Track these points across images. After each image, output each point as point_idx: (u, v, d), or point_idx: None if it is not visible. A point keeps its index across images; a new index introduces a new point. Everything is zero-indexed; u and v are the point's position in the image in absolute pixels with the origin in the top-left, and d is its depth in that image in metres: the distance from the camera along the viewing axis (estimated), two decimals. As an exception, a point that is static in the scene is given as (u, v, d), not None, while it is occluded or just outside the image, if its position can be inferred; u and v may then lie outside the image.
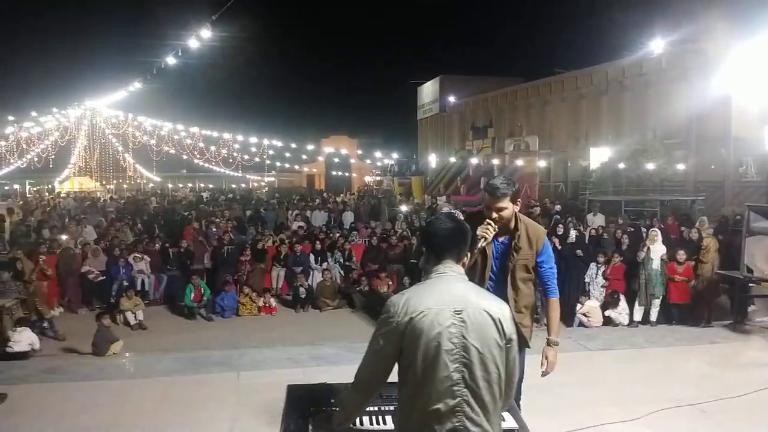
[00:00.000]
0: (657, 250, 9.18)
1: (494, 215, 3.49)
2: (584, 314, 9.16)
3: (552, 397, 5.17)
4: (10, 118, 36.76)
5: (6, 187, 39.55)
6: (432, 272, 2.27)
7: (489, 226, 3.43)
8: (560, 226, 10.81)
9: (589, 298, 9.30)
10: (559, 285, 10.07)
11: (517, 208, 3.62)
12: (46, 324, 9.42)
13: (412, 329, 2.10)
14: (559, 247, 9.92)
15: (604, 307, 9.26)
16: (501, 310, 2.20)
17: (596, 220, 14.60)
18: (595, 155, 23.38)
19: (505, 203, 3.52)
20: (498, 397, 2.17)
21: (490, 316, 2.15)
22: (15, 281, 9.77)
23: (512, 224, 3.61)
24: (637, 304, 9.13)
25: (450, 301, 2.14)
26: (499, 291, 3.53)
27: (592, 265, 9.56)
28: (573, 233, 10.92)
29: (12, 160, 39.49)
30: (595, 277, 9.50)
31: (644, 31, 21.49)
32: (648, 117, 23.39)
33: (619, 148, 21.77)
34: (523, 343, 3.64)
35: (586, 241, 11.30)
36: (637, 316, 9.10)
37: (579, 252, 9.83)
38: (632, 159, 20.11)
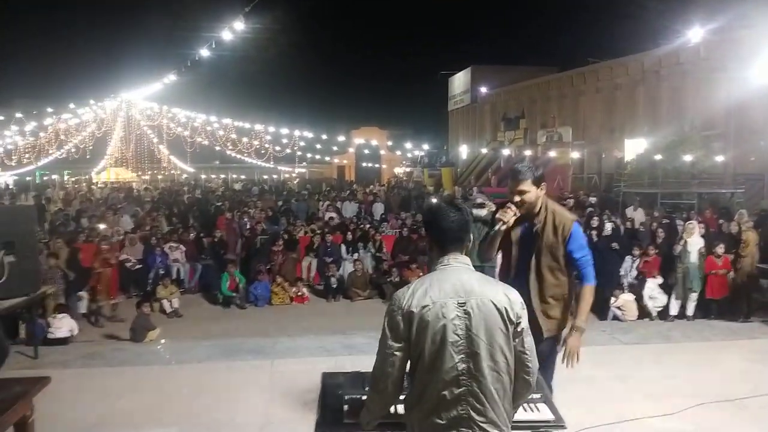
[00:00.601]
0: (694, 243, 8.99)
1: (516, 198, 3.48)
2: (619, 308, 9.04)
3: (587, 390, 5.14)
4: (49, 109, 37.66)
5: (45, 178, 40.64)
6: (437, 264, 2.30)
7: (508, 209, 3.43)
8: (595, 218, 10.65)
9: (623, 292, 9.17)
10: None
11: (541, 193, 3.56)
12: (103, 311, 9.82)
13: (419, 322, 2.15)
14: (594, 240, 9.81)
15: (636, 291, 9.10)
16: (507, 297, 2.21)
17: (636, 215, 13.94)
18: (631, 147, 22.92)
19: (527, 186, 3.49)
20: (508, 386, 2.21)
21: (494, 305, 2.17)
22: (56, 269, 10.10)
23: (537, 209, 3.57)
24: (673, 298, 8.97)
25: (453, 293, 2.17)
26: (522, 277, 3.50)
27: (627, 258, 9.43)
28: (608, 226, 10.77)
29: (51, 151, 40.49)
30: (629, 270, 9.36)
31: (682, 19, 20.92)
32: (685, 107, 22.81)
33: (655, 140, 21.29)
34: (549, 333, 3.59)
35: (622, 234, 11.15)
36: (674, 310, 8.94)
37: (614, 245, 9.70)
38: (669, 151, 19.66)
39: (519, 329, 2.21)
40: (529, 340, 2.24)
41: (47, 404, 4.44)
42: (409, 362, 2.23)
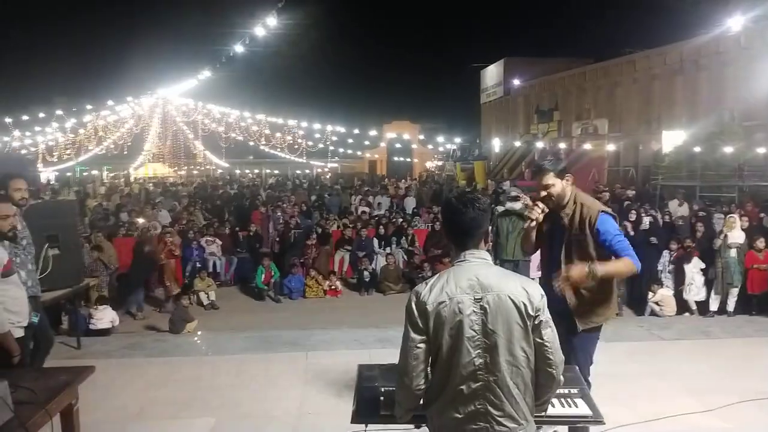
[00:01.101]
0: (735, 237, 8.77)
1: (543, 193, 3.53)
2: (656, 303, 8.88)
3: (626, 386, 5.08)
4: (88, 107, 38.58)
5: (85, 173, 41.69)
6: (455, 259, 2.31)
7: (536, 207, 3.48)
8: (633, 212, 10.45)
9: (661, 286, 9.00)
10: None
11: (567, 185, 3.57)
12: (170, 303, 10.12)
13: (435, 318, 2.17)
14: (632, 233, 9.64)
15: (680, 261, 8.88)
16: (525, 291, 2.20)
17: (680, 210, 13.20)
18: (668, 138, 22.41)
19: (551, 180, 3.52)
20: (529, 380, 2.21)
21: (512, 299, 2.17)
22: (98, 261, 10.41)
23: (565, 202, 3.56)
24: (713, 293, 8.77)
25: (470, 289, 2.18)
26: (552, 270, 3.49)
27: (665, 252, 9.24)
28: (646, 220, 10.56)
29: (90, 147, 41.49)
30: (667, 265, 9.18)
31: (722, 7, 20.32)
32: (725, 98, 22.20)
33: (694, 131, 20.79)
34: (584, 326, 3.59)
35: (660, 228, 10.93)
36: (714, 305, 8.74)
37: (652, 239, 9.51)
38: (708, 142, 19.18)
39: (538, 322, 2.20)
40: (550, 333, 2.23)
41: (90, 393, 4.58)
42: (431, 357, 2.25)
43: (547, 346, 2.22)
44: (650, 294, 8.91)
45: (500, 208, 8.15)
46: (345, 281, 12.08)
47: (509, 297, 2.17)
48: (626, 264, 3.38)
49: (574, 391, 2.75)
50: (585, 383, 2.83)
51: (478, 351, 2.16)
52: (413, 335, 2.21)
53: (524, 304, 2.17)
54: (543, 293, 2.25)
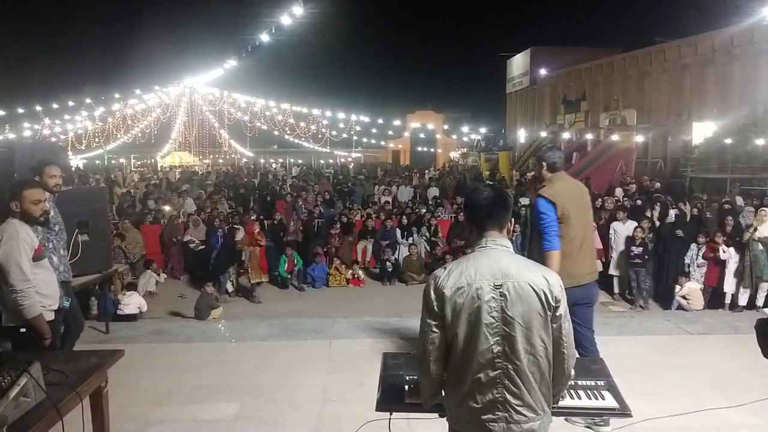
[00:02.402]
0: (765, 230, 8.58)
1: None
2: (684, 297, 8.75)
3: (652, 380, 5.02)
4: (117, 95, 39.11)
5: (113, 161, 42.34)
6: (476, 245, 2.29)
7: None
8: (657, 204, 10.30)
9: (689, 280, 8.87)
10: (656, 266, 9.67)
11: (542, 171, 4.25)
12: (255, 292, 10.49)
13: (454, 303, 2.16)
14: (657, 224, 9.51)
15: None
16: (546, 281, 2.18)
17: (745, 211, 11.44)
18: (699, 130, 22.00)
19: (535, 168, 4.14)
20: (546, 370, 2.18)
21: (532, 287, 2.15)
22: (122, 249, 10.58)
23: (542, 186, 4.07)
24: (741, 287, 8.61)
25: (490, 275, 2.16)
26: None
27: (693, 245, 9.09)
28: (672, 212, 10.40)
29: (119, 136, 42.11)
30: (695, 258, 9.03)
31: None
32: (759, 89, 21.65)
33: (726, 123, 20.37)
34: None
35: (688, 221, 10.76)
36: (742, 300, 8.59)
37: (679, 232, 9.36)
38: (740, 134, 18.79)
39: (558, 313, 2.18)
40: (567, 326, 2.21)
41: (119, 376, 4.67)
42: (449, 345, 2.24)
43: (564, 339, 2.20)
44: (677, 288, 8.79)
45: (524, 200, 8.04)
46: (367, 271, 12.12)
47: (530, 285, 2.15)
48: (550, 259, 3.95)
49: (600, 383, 2.72)
50: (611, 375, 2.79)
51: (497, 338, 2.14)
52: (429, 320, 2.21)
53: (545, 293, 2.15)
54: (562, 284, 2.23)
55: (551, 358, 2.20)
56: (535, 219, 4.01)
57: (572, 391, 2.63)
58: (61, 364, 3.27)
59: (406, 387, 2.71)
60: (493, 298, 2.14)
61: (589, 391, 2.66)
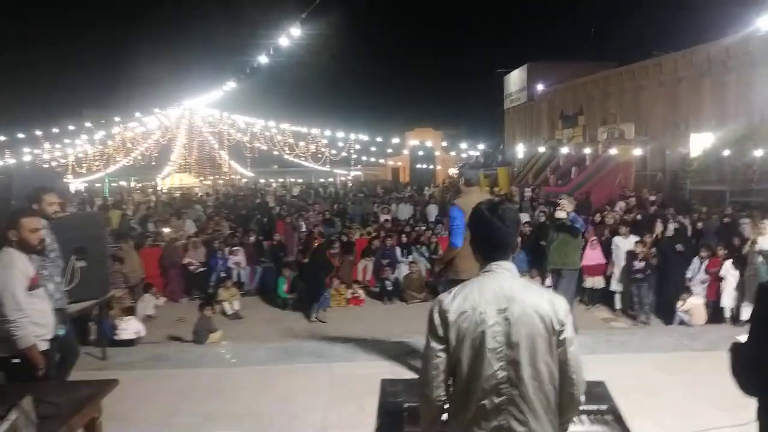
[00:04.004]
0: (765, 243, 8.53)
1: None
2: (686, 312, 8.69)
3: (655, 398, 4.96)
4: (116, 118, 39.29)
5: (114, 184, 42.41)
6: (482, 269, 2.27)
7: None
8: (658, 219, 10.28)
9: (691, 295, 8.81)
10: (657, 281, 9.58)
11: (462, 187, 5.49)
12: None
13: (458, 328, 2.13)
14: (658, 237, 9.47)
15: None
16: (551, 305, 2.14)
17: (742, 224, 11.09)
18: (697, 142, 22.01)
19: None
20: (552, 397, 2.13)
21: (537, 312, 2.11)
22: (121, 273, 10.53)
23: None
24: (744, 301, 8.54)
25: (494, 300, 2.13)
26: None
27: (695, 260, 9.04)
28: (671, 226, 10.36)
29: (119, 159, 42.23)
30: (697, 272, 8.98)
31: (750, 6, 19.91)
32: (755, 99, 21.68)
33: (723, 134, 20.39)
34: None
35: (689, 235, 10.73)
36: (745, 314, 8.51)
37: (679, 247, 9.32)
38: (738, 145, 18.82)
39: (562, 338, 2.14)
40: (574, 351, 2.16)
41: (114, 405, 4.60)
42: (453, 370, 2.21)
43: (570, 365, 2.16)
44: (679, 303, 8.73)
45: (560, 214, 7.77)
46: (367, 290, 12.06)
47: (534, 309, 2.12)
48: (449, 254, 5.38)
49: (603, 407, 2.68)
50: (613, 399, 2.74)
51: (502, 363, 2.10)
52: (433, 344, 2.18)
53: (549, 318, 2.12)
54: (569, 309, 2.19)
55: (557, 384, 2.15)
56: (448, 221, 5.25)
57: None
58: (54, 395, 3.24)
59: (405, 414, 2.67)
60: (497, 323, 2.11)
61: (591, 416, 2.61)
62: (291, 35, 14.89)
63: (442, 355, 2.17)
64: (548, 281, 10.81)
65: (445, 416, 2.30)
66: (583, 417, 2.60)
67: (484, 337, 2.11)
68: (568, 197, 7.99)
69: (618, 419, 2.61)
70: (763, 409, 2.11)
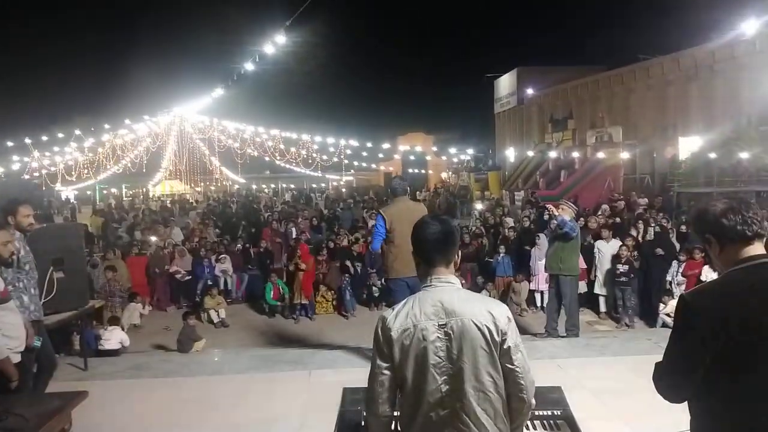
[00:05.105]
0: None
1: None
2: (668, 314, 8.74)
3: (630, 401, 4.98)
4: (106, 126, 39.23)
5: (104, 191, 42.28)
6: (423, 283, 2.28)
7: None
8: (640, 222, 10.36)
9: (672, 298, 8.87)
10: (640, 284, 9.66)
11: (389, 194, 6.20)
12: (299, 308, 11.01)
13: (401, 345, 2.15)
14: (640, 241, 9.53)
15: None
16: (491, 315, 2.15)
17: None
18: (685, 145, 22.19)
19: None
20: (499, 406, 2.15)
21: (475, 324, 2.12)
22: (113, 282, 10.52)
23: None
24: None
25: (434, 315, 2.15)
26: None
27: (674, 262, 9.12)
28: (651, 230, 10.44)
29: (109, 166, 42.12)
30: (676, 275, 9.05)
31: (735, 11, 20.10)
32: (741, 103, 21.93)
33: (711, 137, 20.57)
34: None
35: (674, 238, 10.80)
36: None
37: (659, 251, 9.39)
38: (725, 148, 18.97)
39: (506, 347, 2.15)
40: (520, 357, 2.18)
41: (92, 415, 4.63)
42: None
43: (517, 372, 2.17)
44: (661, 306, 8.79)
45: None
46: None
47: (473, 322, 2.12)
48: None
49: (557, 412, 2.71)
50: (568, 404, 2.77)
51: (444, 378, 2.12)
52: (379, 362, 2.20)
53: (488, 329, 2.12)
54: (510, 316, 2.20)
55: (503, 393, 2.16)
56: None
57: (528, 422, 2.61)
58: (23, 407, 3.25)
59: (363, 423, 2.69)
60: (438, 338, 2.12)
61: (545, 421, 2.65)
62: (276, 43, 14.92)
63: (387, 372, 2.18)
64: (532, 285, 10.96)
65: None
66: (536, 422, 2.62)
67: (427, 352, 2.13)
68: (569, 204, 8.02)
69: (572, 425, 2.64)
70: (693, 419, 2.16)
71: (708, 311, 1.96)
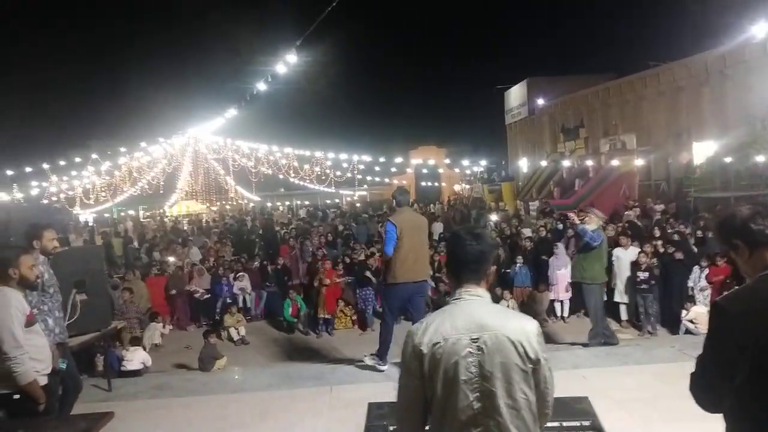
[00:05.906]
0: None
1: None
2: (691, 321, 8.65)
3: (656, 410, 4.94)
4: (122, 149, 39.73)
5: (122, 213, 42.71)
6: (453, 296, 2.23)
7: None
8: (656, 228, 10.28)
9: (694, 304, 8.78)
10: (660, 290, 9.57)
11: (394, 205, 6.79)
12: (321, 323, 11.09)
13: (431, 359, 2.08)
14: (661, 250, 9.45)
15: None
16: (523, 330, 2.10)
17: None
18: (699, 150, 22.02)
19: None
20: (531, 424, 2.09)
21: (509, 339, 2.06)
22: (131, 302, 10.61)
23: None
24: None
25: (466, 329, 2.08)
26: None
27: (695, 268, 9.02)
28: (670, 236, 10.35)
29: (125, 188, 42.60)
30: (698, 281, 8.95)
31: (744, 14, 20.00)
32: (755, 106, 21.70)
33: (725, 141, 20.40)
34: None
35: (693, 243, 10.70)
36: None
37: (678, 255, 9.30)
38: (740, 152, 18.80)
39: (538, 365, 2.10)
40: (548, 375, 2.14)
41: (117, 436, 4.66)
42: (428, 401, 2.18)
43: (547, 389, 2.14)
44: (683, 312, 8.69)
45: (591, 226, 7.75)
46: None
47: (507, 337, 2.06)
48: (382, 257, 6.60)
49: (586, 423, 2.70)
50: (596, 415, 2.76)
51: (476, 395, 2.05)
52: (407, 377, 2.15)
53: (522, 345, 2.06)
54: (540, 332, 2.16)
55: (536, 410, 2.11)
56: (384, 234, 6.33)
57: (557, 434, 2.61)
58: (51, 430, 3.29)
59: (390, 438, 2.70)
60: (470, 352, 2.06)
61: (574, 432, 2.64)
62: (288, 62, 15.10)
63: (417, 388, 2.13)
64: (552, 294, 10.89)
65: None
66: (566, 433, 2.61)
67: (458, 368, 2.05)
68: (595, 212, 7.92)
69: (600, 434, 2.63)
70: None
71: (744, 316, 1.91)
